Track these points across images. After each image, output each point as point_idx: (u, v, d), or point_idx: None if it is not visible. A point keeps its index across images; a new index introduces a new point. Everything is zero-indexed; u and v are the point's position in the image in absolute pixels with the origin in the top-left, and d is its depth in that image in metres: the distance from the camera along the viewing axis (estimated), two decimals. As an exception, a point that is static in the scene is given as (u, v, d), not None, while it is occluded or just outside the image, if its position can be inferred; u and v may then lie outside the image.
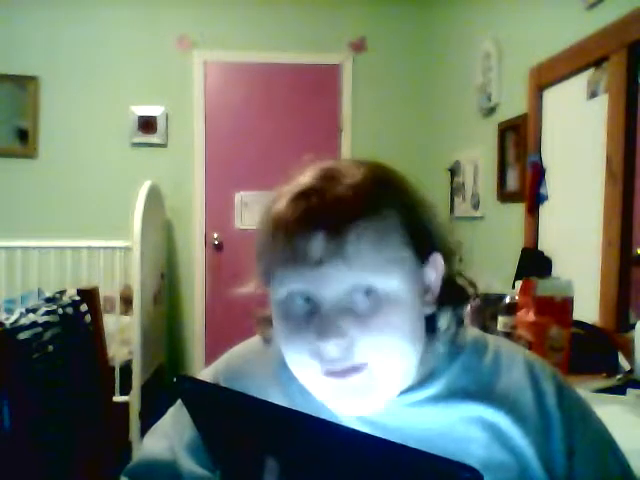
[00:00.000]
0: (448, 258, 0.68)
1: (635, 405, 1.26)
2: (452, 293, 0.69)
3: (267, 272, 0.65)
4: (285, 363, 0.67)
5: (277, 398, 0.71)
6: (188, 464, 0.70)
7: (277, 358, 0.72)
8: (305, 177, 0.65)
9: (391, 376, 0.63)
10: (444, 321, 0.68)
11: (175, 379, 0.55)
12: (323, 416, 0.65)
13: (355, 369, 0.61)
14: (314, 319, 0.61)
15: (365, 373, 0.61)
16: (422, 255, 0.65)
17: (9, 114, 3.88)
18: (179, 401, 0.75)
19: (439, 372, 0.69)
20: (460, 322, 0.70)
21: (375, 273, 0.60)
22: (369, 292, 0.61)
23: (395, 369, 0.63)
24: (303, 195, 0.62)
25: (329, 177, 0.64)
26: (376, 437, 0.44)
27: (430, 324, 0.68)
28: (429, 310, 0.67)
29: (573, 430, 0.67)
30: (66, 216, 3.78)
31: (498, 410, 0.66)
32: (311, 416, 0.48)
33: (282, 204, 0.63)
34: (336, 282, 0.60)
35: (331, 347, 0.60)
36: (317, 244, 0.59)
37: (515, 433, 0.65)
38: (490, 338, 0.74)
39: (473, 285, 0.72)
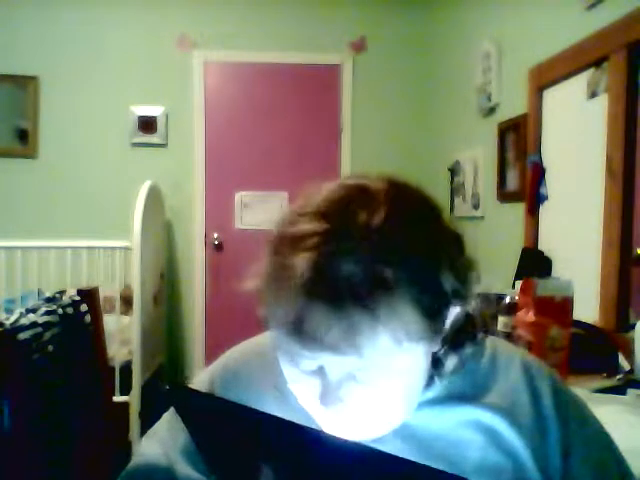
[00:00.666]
0: (465, 304, 0.65)
1: (635, 405, 1.26)
2: (462, 335, 0.67)
3: (272, 322, 0.61)
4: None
5: (274, 402, 0.71)
6: (184, 469, 0.70)
7: (275, 360, 0.72)
8: (316, 228, 0.58)
9: (387, 426, 0.64)
10: (451, 363, 0.67)
11: (167, 388, 0.55)
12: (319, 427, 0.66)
13: (352, 418, 0.61)
14: (318, 381, 0.60)
15: (362, 422, 0.62)
16: (438, 322, 0.61)
17: (9, 114, 3.87)
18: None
19: (434, 377, 0.68)
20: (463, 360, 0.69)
21: (387, 359, 0.58)
22: (380, 371, 0.59)
23: (393, 423, 0.64)
24: (321, 268, 0.56)
25: (346, 236, 0.57)
26: (368, 447, 0.44)
27: (435, 361, 0.67)
28: (436, 349, 0.65)
29: (569, 431, 0.67)
30: (66, 216, 3.78)
31: (494, 413, 0.66)
32: (303, 426, 0.47)
33: (297, 269, 0.56)
34: (346, 366, 0.58)
35: (331, 412, 0.60)
36: (331, 331, 0.55)
37: (511, 436, 0.65)
38: (487, 339, 0.74)
39: (484, 323, 0.70)
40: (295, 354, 0.59)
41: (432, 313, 0.59)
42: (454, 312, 0.64)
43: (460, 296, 0.62)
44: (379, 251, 0.56)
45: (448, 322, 0.64)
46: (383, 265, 0.55)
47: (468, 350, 0.68)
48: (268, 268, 0.61)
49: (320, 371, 0.59)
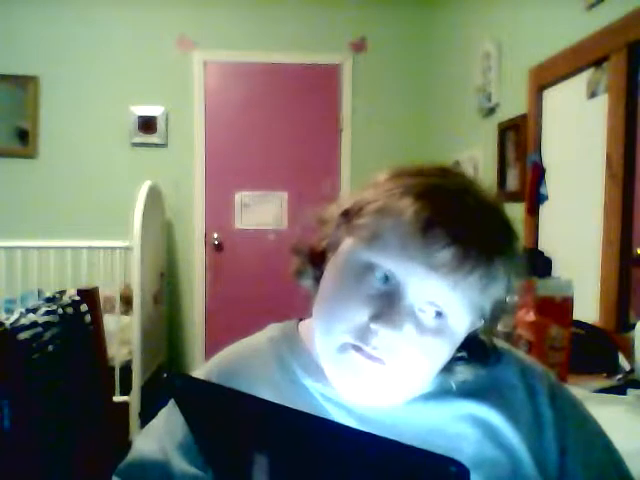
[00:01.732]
0: (491, 320, 0.67)
1: (635, 405, 1.26)
2: (475, 352, 0.68)
3: (375, 231, 0.61)
4: (279, 363, 0.67)
5: (270, 399, 0.71)
6: (180, 464, 0.70)
7: (272, 357, 0.72)
8: (435, 180, 0.64)
9: (405, 386, 0.64)
10: (460, 374, 0.67)
11: (166, 376, 0.55)
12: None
13: (381, 361, 0.61)
14: (384, 303, 0.60)
15: (386, 370, 0.61)
16: (494, 312, 0.66)
17: (9, 114, 3.87)
18: (171, 401, 0.74)
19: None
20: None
21: (463, 309, 0.61)
22: (442, 315, 0.61)
23: (412, 384, 0.64)
24: (457, 196, 0.62)
25: (470, 190, 0.64)
26: (365, 432, 0.44)
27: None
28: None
29: (566, 428, 0.67)
30: (66, 216, 3.78)
31: (490, 407, 0.66)
32: (302, 412, 0.48)
33: (430, 194, 0.61)
34: (432, 291, 0.60)
35: (382, 334, 0.60)
36: (446, 252, 0.58)
37: (507, 430, 0.65)
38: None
39: (494, 348, 0.70)
40: (384, 267, 0.61)
41: (508, 291, 0.64)
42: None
43: (502, 310, 0.67)
44: (502, 215, 0.64)
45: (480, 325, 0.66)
46: (506, 224, 0.64)
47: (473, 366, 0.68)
48: (387, 188, 0.63)
49: (396, 293, 0.60)
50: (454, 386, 0.67)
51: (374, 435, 0.43)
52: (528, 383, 0.69)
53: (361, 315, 0.61)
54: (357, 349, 0.61)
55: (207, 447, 0.62)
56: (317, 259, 0.69)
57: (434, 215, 0.59)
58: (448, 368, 0.67)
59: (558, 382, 0.72)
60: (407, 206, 0.60)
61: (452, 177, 0.66)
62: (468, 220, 0.60)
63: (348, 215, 0.65)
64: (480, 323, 0.65)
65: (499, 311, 0.66)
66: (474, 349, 0.67)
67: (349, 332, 0.61)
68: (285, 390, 0.69)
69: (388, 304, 0.60)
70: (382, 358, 0.61)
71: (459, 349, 0.66)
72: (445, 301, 0.60)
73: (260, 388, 0.71)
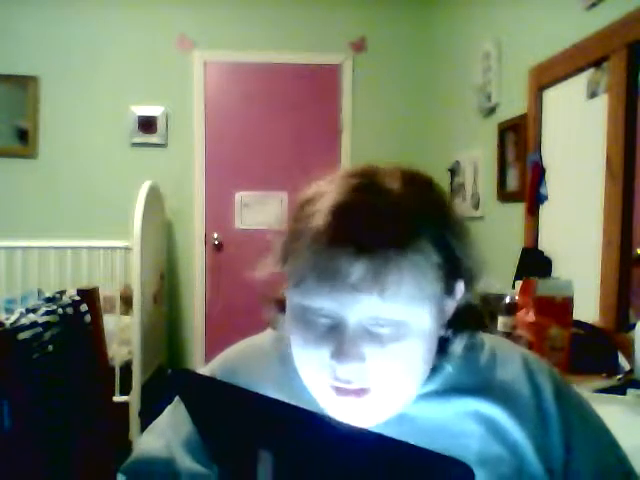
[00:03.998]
0: (470, 284, 0.67)
1: (635, 405, 1.26)
2: (469, 318, 0.68)
3: (295, 275, 0.62)
4: (282, 362, 0.67)
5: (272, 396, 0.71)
6: (185, 461, 0.70)
7: (275, 356, 0.72)
8: (347, 184, 0.63)
9: (398, 399, 0.64)
10: (457, 347, 0.67)
11: (170, 372, 0.55)
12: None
13: (360, 392, 0.61)
14: (334, 337, 0.61)
15: (372, 395, 0.62)
16: (449, 288, 0.64)
17: (9, 114, 3.87)
18: (177, 399, 0.75)
19: (437, 369, 0.69)
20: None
21: (406, 308, 0.60)
22: (394, 323, 0.60)
23: (403, 394, 0.64)
24: (350, 209, 0.60)
25: (370, 190, 0.62)
26: (370, 431, 0.44)
27: (440, 345, 0.67)
28: (443, 333, 0.67)
29: (570, 425, 0.67)
30: (66, 216, 3.78)
31: (494, 404, 0.66)
32: (306, 410, 0.48)
33: (326, 213, 0.60)
34: (367, 309, 0.59)
35: (347, 370, 0.60)
36: (357, 270, 0.58)
37: (512, 427, 0.65)
38: (486, 336, 0.75)
39: (490, 308, 0.71)
40: (315, 306, 0.61)
41: (447, 270, 0.62)
42: (460, 288, 0.66)
43: (468, 272, 0.65)
44: (409, 201, 0.61)
45: (455, 299, 0.66)
46: (414, 211, 0.61)
47: (470, 339, 0.69)
48: (293, 222, 0.65)
49: (339, 325, 0.60)
50: (450, 368, 0.67)
51: (379, 434, 0.43)
52: (533, 380, 0.69)
53: (324, 356, 0.61)
54: (338, 390, 0.62)
55: (211, 443, 0.62)
56: (284, 307, 0.69)
57: (336, 241, 0.58)
58: (443, 353, 0.67)
59: (562, 379, 0.72)
60: (311, 246, 0.60)
61: (356, 180, 0.64)
62: (369, 225, 0.59)
63: (283, 256, 0.66)
64: (450, 298, 0.65)
65: (460, 272, 0.64)
66: (460, 321, 0.67)
67: (323, 373, 0.62)
68: (288, 389, 0.69)
69: (339, 338, 0.60)
70: (363, 387, 0.61)
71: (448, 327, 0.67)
72: (386, 310, 0.59)
73: (263, 387, 0.72)
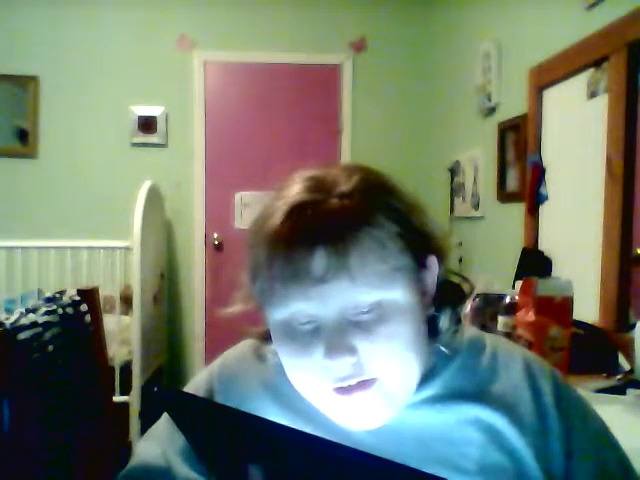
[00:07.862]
0: (442, 258, 0.68)
1: (635, 405, 1.26)
2: (449, 293, 0.69)
3: (265, 291, 0.63)
4: (281, 368, 0.66)
5: (272, 401, 0.71)
6: (183, 470, 0.70)
7: (273, 362, 0.72)
8: (295, 189, 0.64)
9: (401, 387, 0.63)
10: (444, 322, 0.68)
11: (156, 390, 0.55)
12: (317, 422, 0.66)
13: (365, 384, 0.61)
14: (320, 337, 0.61)
15: (375, 388, 0.61)
16: (419, 260, 0.64)
17: (9, 114, 3.88)
18: None
19: (436, 373, 0.68)
20: (458, 321, 0.70)
21: (379, 285, 0.60)
22: (374, 305, 0.60)
23: (404, 379, 0.63)
24: (298, 209, 0.61)
25: (320, 188, 0.63)
26: (358, 451, 0.43)
27: (430, 326, 0.68)
28: (429, 312, 0.67)
29: (571, 429, 0.66)
30: (66, 216, 3.78)
31: (495, 411, 0.65)
32: (292, 429, 0.48)
33: (277, 220, 0.61)
34: (341, 298, 0.60)
35: (341, 365, 0.60)
36: (319, 261, 0.58)
37: (512, 434, 0.65)
38: (488, 337, 0.74)
39: (468, 282, 0.72)
40: (292, 311, 0.61)
41: (410, 240, 0.62)
42: (434, 262, 0.67)
43: (435, 244, 0.66)
44: (357, 190, 0.62)
45: (428, 273, 0.66)
46: (364, 196, 0.62)
47: (458, 310, 0.69)
48: (253, 225, 0.65)
49: (321, 324, 0.61)
50: (446, 350, 0.68)
51: (366, 454, 0.43)
52: (533, 383, 0.68)
53: (316, 360, 0.61)
54: (342, 391, 0.61)
55: (202, 456, 0.62)
56: (268, 337, 0.69)
57: (292, 241, 0.59)
58: (433, 334, 0.67)
59: (563, 380, 0.71)
60: (271, 254, 0.61)
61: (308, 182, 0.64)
62: (320, 216, 0.60)
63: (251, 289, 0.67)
64: (425, 271, 0.65)
65: (428, 245, 0.65)
66: (441, 297, 0.68)
67: (322, 381, 0.62)
68: (286, 395, 0.69)
69: (324, 336, 0.60)
70: (366, 379, 0.61)
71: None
72: (360, 294, 0.59)
73: (262, 391, 0.72)
